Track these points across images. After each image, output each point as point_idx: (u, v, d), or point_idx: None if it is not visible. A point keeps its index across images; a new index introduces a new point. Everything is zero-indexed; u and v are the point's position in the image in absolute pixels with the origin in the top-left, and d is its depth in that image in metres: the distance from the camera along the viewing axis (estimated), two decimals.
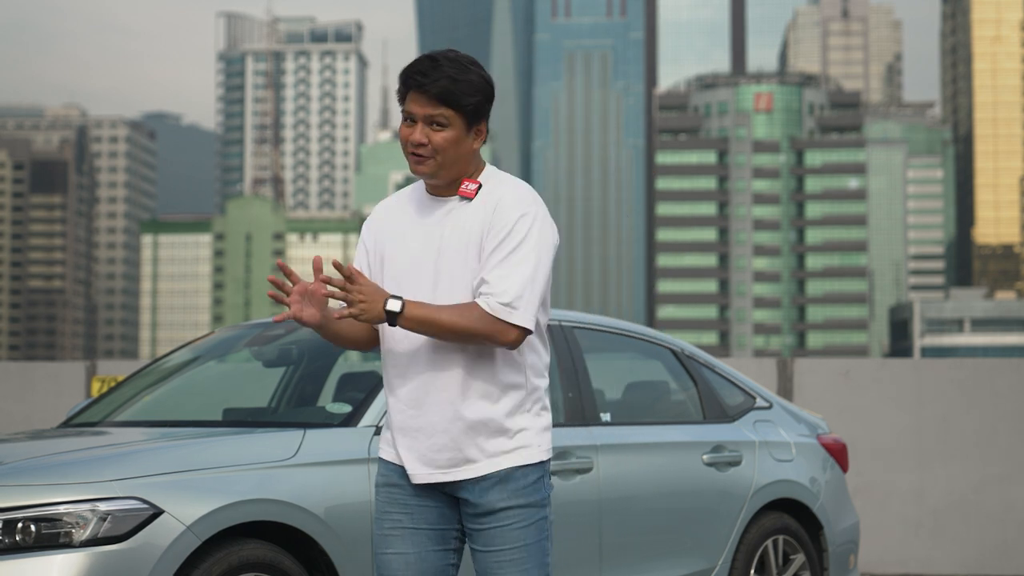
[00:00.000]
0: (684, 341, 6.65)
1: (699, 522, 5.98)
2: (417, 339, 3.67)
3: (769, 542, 6.24)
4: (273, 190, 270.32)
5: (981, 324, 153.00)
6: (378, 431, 4.95)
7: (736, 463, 6.17)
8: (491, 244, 3.62)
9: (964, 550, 9.62)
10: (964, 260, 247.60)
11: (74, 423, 5.80)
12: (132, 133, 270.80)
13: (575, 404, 5.60)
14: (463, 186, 3.71)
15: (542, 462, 3.71)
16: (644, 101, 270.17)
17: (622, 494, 5.61)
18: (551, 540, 3.74)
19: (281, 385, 5.94)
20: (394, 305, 3.54)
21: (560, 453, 5.37)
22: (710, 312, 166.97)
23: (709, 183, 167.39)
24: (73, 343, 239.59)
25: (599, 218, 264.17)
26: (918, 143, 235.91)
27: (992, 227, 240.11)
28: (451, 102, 3.62)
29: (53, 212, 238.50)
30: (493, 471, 3.66)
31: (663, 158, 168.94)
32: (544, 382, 3.76)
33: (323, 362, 5.93)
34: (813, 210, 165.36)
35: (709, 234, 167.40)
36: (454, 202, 3.72)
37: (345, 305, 3.57)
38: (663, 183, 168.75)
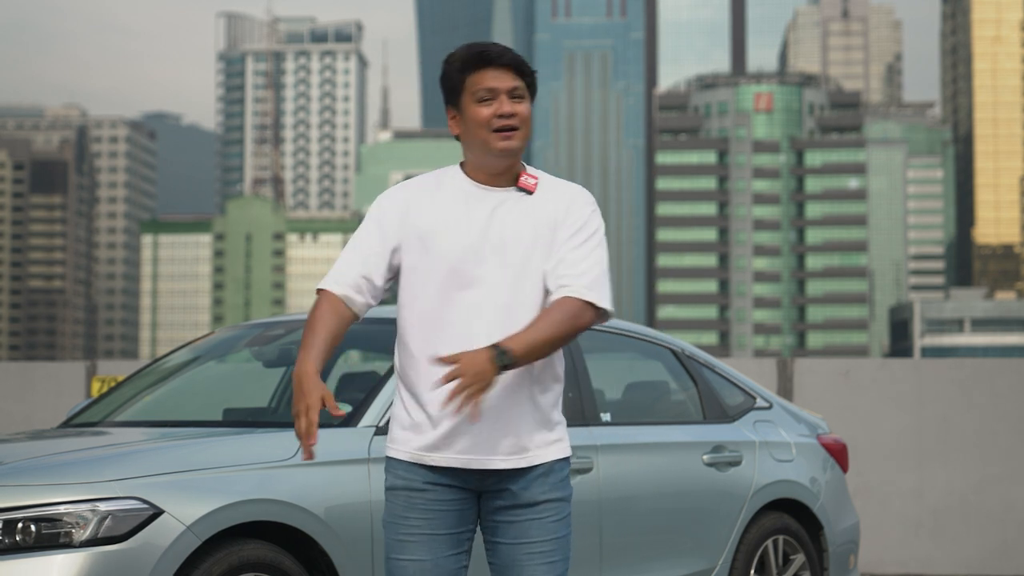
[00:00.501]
0: (684, 341, 6.64)
1: (699, 522, 5.98)
2: (479, 327, 3.59)
3: (769, 542, 6.24)
4: (273, 190, 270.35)
5: (981, 324, 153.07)
6: (378, 431, 4.94)
7: (736, 463, 6.16)
8: (566, 234, 3.62)
9: (964, 550, 9.62)
10: (964, 260, 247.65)
11: (74, 423, 5.80)
12: (132, 133, 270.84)
13: (575, 404, 5.59)
14: (522, 179, 3.68)
15: (569, 457, 3.74)
16: (644, 101, 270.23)
17: (622, 494, 5.61)
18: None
19: (281, 385, 5.95)
20: (503, 360, 3.44)
21: None
22: (710, 312, 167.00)
23: (709, 183, 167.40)
24: (73, 343, 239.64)
25: None
26: (918, 143, 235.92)
27: (992, 227, 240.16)
28: (525, 73, 3.67)
29: (53, 212, 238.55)
30: (540, 462, 3.64)
31: (663, 158, 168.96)
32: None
33: None
34: (813, 210, 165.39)
35: (709, 234, 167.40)
36: (508, 193, 3.67)
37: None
38: (663, 183, 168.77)
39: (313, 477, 4.71)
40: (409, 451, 3.66)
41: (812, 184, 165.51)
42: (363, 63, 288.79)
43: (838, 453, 6.77)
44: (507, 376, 3.56)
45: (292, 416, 3.49)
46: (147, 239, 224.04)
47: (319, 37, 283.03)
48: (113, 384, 8.50)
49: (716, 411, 6.36)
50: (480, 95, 3.63)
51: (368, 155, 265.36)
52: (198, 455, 4.60)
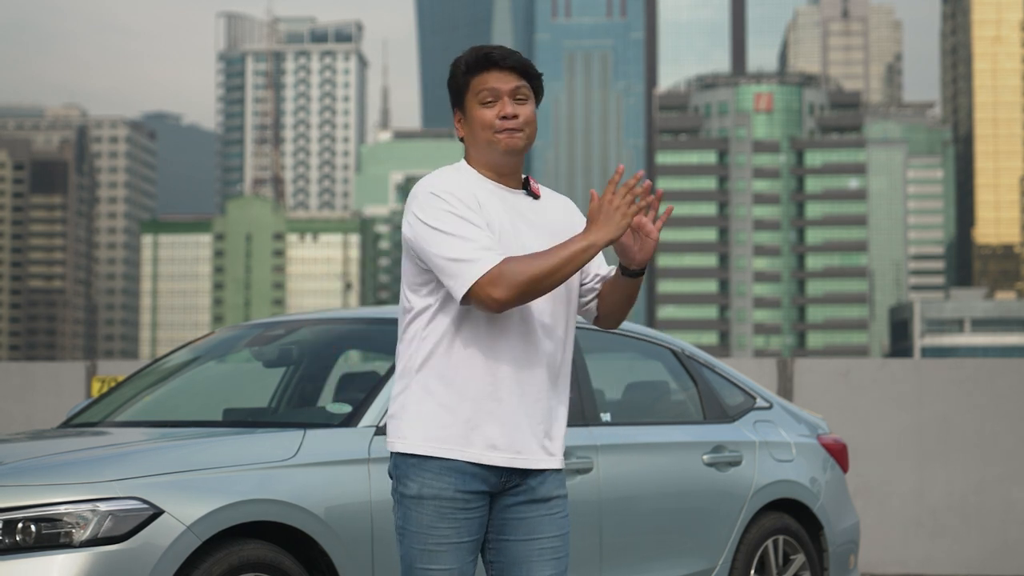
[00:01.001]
0: (684, 341, 6.64)
1: (699, 522, 5.98)
2: (538, 314, 3.69)
3: (769, 542, 6.24)
4: (273, 190, 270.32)
5: (981, 324, 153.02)
6: (378, 431, 4.92)
7: (736, 463, 6.16)
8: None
9: (964, 550, 9.62)
10: (964, 260, 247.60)
11: (74, 423, 5.80)
12: (132, 133, 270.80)
13: (575, 404, 5.57)
14: (531, 184, 3.79)
15: None
16: (644, 101, 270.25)
17: (622, 494, 5.61)
18: None
19: (281, 385, 5.94)
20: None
21: None
22: (710, 312, 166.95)
23: (709, 183, 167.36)
24: (73, 343, 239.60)
25: None
26: (918, 143, 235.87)
27: (992, 227, 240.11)
28: (529, 75, 3.69)
29: (53, 212, 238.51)
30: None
31: (663, 158, 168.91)
32: None
33: (323, 362, 5.93)
34: (813, 210, 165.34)
35: (709, 234, 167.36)
36: (523, 195, 3.75)
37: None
38: (663, 183, 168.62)
39: (313, 477, 4.71)
40: (453, 450, 3.60)
41: (812, 184, 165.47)
42: (363, 63, 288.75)
43: (838, 453, 6.77)
44: (547, 378, 3.67)
45: (614, 211, 3.58)
46: (147, 239, 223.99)
47: (319, 37, 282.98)
48: (113, 384, 8.50)
49: (716, 411, 6.36)
50: (483, 97, 3.65)
51: (368, 155, 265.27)
52: (198, 455, 4.60)
